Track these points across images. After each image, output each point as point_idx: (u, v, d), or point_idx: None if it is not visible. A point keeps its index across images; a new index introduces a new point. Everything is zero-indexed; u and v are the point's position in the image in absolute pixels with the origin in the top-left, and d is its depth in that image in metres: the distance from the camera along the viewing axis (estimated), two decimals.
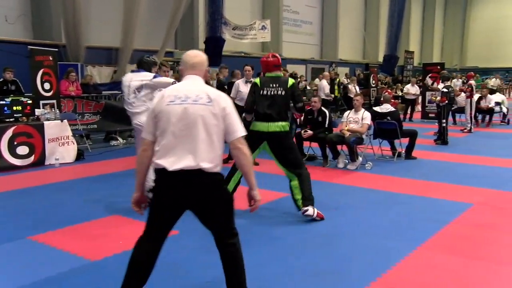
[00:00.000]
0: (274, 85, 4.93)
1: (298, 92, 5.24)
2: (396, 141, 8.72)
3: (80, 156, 8.47)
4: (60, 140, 8.12)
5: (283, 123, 4.91)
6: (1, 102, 7.67)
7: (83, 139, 9.72)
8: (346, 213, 5.28)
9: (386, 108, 8.68)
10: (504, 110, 14.38)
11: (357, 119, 7.98)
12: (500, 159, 8.50)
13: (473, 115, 12.80)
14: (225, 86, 10.35)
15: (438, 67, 15.56)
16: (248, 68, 8.12)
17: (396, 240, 4.38)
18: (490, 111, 13.98)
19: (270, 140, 4.90)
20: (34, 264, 3.80)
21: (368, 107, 11.04)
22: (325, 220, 4.90)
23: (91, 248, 4.14)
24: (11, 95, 8.28)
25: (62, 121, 8.26)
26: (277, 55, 5.18)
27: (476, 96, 13.20)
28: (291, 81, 5.07)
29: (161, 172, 2.73)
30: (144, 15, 12.52)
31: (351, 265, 3.82)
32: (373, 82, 18.55)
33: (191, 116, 2.70)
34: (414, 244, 4.24)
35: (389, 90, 15.98)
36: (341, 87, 16.52)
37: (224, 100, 2.79)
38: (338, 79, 16.67)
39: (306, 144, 8.45)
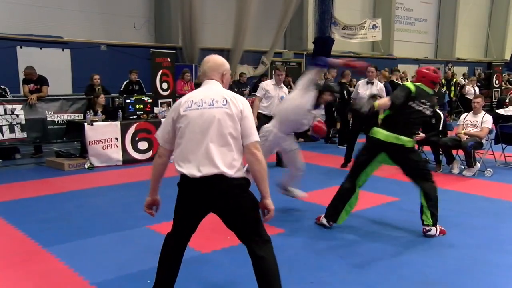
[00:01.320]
0: (424, 101, 4.53)
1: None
2: None
3: None
4: None
5: (406, 138, 4.46)
6: (127, 101, 8.42)
7: None
8: (460, 222, 4.92)
9: (511, 110, 7.92)
10: None
11: (476, 122, 7.39)
12: None
13: None
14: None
15: None
16: (371, 68, 7.81)
17: None
18: None
19: (388, 151, 4.54)
20: (151, 251, 4.10)
21: (489, 109, 10.17)
22: (444, 227, 4.62)
23: (201, 241, 4.35)
24: (135, 95, 9.04)
25: None
26: (438, 71, 4.83)
27: None
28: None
29: (182, 178, 2.80)
30: (255, 16, 12.89)
31: (463, 278, 3.55)
32: (497, 82, 17.02)
33: (207, 120, 2.68)
34: None
35: None
36: (458, 87, 15.41)
37: (241, 102, 2.74)
38: (454, 80, 15.57)
39: (415, 147, 8.01)
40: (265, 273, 2.75)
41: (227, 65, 2.97)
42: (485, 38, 23.99)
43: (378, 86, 7.84)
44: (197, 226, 2.98)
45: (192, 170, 2.71)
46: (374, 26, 16.74)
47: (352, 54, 17.03)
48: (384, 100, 4.60)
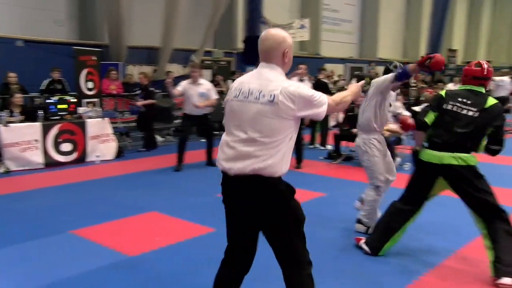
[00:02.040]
0: (464, 101, 3.63)
1: (500, 123, 3.60)
2: None
3: (121, 153, 8.69)
4: (101, 138, 8.37)
5: (466, 155, 3.58)
6: (48, 101, 7.99)
7: (123, 136, 9.96)
8: None
9: None
10: None
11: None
12: None
13: None
14: None
15: None
16: (303, 66, 7.89)
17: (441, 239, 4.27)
18: None
19: (446, 176, 3.66)
20: (75, 258, 3.93)
21: (408, 107, 10.78)
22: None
23: (129, 244, 4.24)
24: (57, 94, 8.59)
25: (103, 119, 8.51)
26: (485, 64, 3.71)
27: None
28: (491, 101, 3.62)
29: (222, 175, 2.47)
30: (184, 14, 12.72)
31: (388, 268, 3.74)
32: (414, 81, 18.08)
33: (249, 115, 2.36)
34: (458, 244, 4.12)
35: (429, 90, 15.53)
36: None
37: (297, 97, 2.33)
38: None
39: (343, 143, 8.34)
40: None
41: (289, 40, 2.52)
42: (403, 40, 25.43)
43: (309, 84, 7.97)
44: (251, 246, 2.60)
45: (228, 165, 2.47)
46: (302, 26, 17.14)
47: None
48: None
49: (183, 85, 7.59)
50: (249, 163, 2.33)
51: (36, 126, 7.56)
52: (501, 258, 3.44)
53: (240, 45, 15.73)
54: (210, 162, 7.79)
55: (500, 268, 3.44)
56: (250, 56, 15.50)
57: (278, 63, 2.46)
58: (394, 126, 7.75)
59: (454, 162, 3.55)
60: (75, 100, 8.39)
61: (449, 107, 3.64)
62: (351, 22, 22.06)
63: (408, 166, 7.62)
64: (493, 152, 3.64)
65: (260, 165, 2.32)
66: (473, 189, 3.55)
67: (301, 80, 7.76)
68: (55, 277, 3.53)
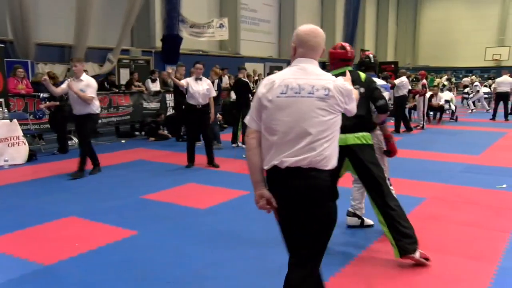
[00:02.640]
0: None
1: (375, 86, 4.00)
2: None
3: (33, 157, 8.17)
4: (10, 141, 7.80)
5: (364, 134, 3.85)
6: None
7: (35, 139, 9.36)
8: None
9: None
10: (453, 107, 15.00)
11: None
12: (450, 154, 8.86)
13: (425, 113, 13.30)
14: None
15: (392, 66, 16.03)
16: (199, 66, 7.86)
17: (350, 235, 4.48)
18: (440, 109, 14.54)
19: (350, 156, 3.83)
20: None
21: None
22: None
23: (44, 252, 4.00)
24: None
25: (11, 121, 7.93)
26: (348, 46, 3.98)
27: (428, 94, 13.71)
28: (362, 75, 3.97)
29: (273, 170, 2.39)
30: (98, 11, 12.19)
31: None
32: None
33: (302, 110, 2.34)
34: (372, 237, 4.36)
35: None
36: None
37: (345, 91, 2.41)
38: None
39: None
40: None
41: None
42: None
43: (208, 81, 7.93)
44: (309, 243, 2.41)
45: (282, 161, 2.38)
46: (221, 25, 17.19)
47: (201, 52, 17.24)
48: None
49: (190, 82, 7.62)
50: (307, 156, 2.31)
51: None
52: (399, 238, 3.68)
53: (158, 43, 15.42)
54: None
55: (402, 246, 3.66)
56: (169, 55, 15.26)
57: (317, 59, 2.52)
58: None
59: (358, 142, 3.78)
60: None
61: None
62: (269, 22, 22.50)
63: None
64: (382, 108, 3.94)
65: (318, 158, 2.31)
66: (371, 164, 3.79)
67: (199, 79, 7.72)
68: None
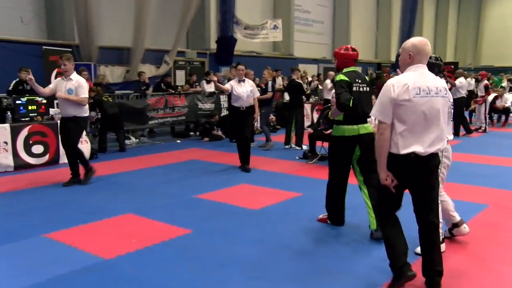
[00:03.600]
0: (359, 81, 4.41)
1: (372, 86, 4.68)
2: None
3: (93, 155, 8.55)
4: None
5: (370, 125, 4.49)
6: (17, 102, 7.79)
7: (96, 138, 9.80)
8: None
9: None
10: None
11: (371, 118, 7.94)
12: None
13: (487, 115, 12.70)
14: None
15: (452, 67, 15.41)
16: (241, 67, 7.77)
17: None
18: (506, 111, 13.81)
19: (361, 144, 4.37)
20: (49, 262, 3.85)
21: None
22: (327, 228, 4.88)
23: (105, 247, 4.19)
24: (27, 95, 8.38)
25: None
26: (356, 48, 4.66)
27: (491, 96, 13.08)
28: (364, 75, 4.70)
29: (409, 156, 3.04)
30: (155, 14, 12.60)
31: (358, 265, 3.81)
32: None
33: (434, 108, 3.04)
34: None
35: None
36: None
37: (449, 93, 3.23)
38: None
39: (318, 143, 8.43)
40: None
41: None
42: (375, 41, 25.88)
43: (250, 82, 7.83)
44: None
45: (420, 149, 3.06)
46: (275, 27, 17.25)
47: (254, 53, 17.38)
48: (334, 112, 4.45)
49: (233, 85, 7.54)
50: (439, 147, 3.11)
51: (5, 128, 7.37)
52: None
53: (213, 45, 15.69)
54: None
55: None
56: (223, 57, 15.50)
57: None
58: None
59: (365, 131, 4.38)
60: (45, 101, 8.20)
61: (355, 88, 4.36)
62: (323, 23, 22.31)
63: None
64: None
65: (442, 147, 3.15)
66: (370, 151, 4.08)
67: (242, 81, 7.61)
68: (20, 283, 3.44)
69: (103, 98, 9.43)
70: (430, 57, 4.32)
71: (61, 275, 3.58)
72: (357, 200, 4.69)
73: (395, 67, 19.42)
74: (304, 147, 9.35)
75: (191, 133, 12.16)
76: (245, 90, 7.53)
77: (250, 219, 5.03)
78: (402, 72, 3.17)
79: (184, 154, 9.19)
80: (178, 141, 11.10)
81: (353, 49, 4.60)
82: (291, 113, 9.71)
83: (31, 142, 7.63)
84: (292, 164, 7.97)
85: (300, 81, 10.20)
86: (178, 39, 13.71)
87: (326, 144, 8.40)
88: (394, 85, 3.03)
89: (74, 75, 6.54)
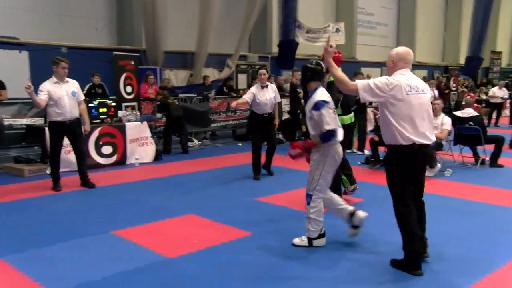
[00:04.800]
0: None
1: None
2: (480, 148, 8.21)
3: (158, 156, 8.84)
4: (140, 141, 8.54)
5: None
6: (90, 105, 8.22)
7: (160, 140, 10.13)
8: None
9: (468, 112, 8.23)
10: None
11: (436, 125, 7.61)
12: None
13: None
14: (297, 89, 10.32)
15: None
16: (263, 72, 7.49)
17: (483, 251, 4.12)
18: None
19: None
20: (116, 258, 4.02)
21: (448, 111, 10.54)
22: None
23: (167, 245, 4.30)
24: (98, 98, 8.84)
25: (142, 123, 8.67)
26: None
27: None
28: None
29: (411, 147, 3.55)
30: (219, 19, 12.85)
31: (442, 271, 3.64)
32: (454, 85, 17.65)
33: (424, 104, 3.60)
34: (505, 257, 3.97)
35: (471, 94, 15.11)
36: None
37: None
38: None
39: (381, 149, 8.19)
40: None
41: None
42: (442, 43, 24.81)
43: (274, 88, 7.54)
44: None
45: (419, 140, 3.58)
46: (337, 30, 17.01)
47: (316, 57, 17.24)
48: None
49: (255, 90, 7.26)
50: (432, 137, 3.65)
51: None
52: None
53: (275, 49, 15.75)
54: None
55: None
56: (285, 60, 15.50)
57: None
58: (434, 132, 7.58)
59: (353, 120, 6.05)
60: (114, 104, 8.60)
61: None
62: (387, 25, 21.75)
63: (449, 172, 7.44)
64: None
65: (432, 138, 3.67)
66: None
67: (265, 86, 7.27)
68: (90, 277, 3.61)
69: (169, 100, 9.73)
70: (311, 63, 4.52)
71: (126, 271, 3.72)
72: None
73: (464, 71, 18.73)
74: (367, 152, 9.13)
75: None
76: (268, 97, 7.21)
77: None
78: (390, 75, 3.68)
79: (244, 157, 9.26)
80: (239, 144, 11.22)
81: (339, 52, 5.24)
82: (354, 117, 9.49)
83: (101, 143, 8.02)
84: (354, 169, 7.79)
85: None
86: (241, 43, 13.89)
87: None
88: (385, 81, 3.57)
89: (68, 78, 6.44)
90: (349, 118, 5.90)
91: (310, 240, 4.26)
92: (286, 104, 12.21)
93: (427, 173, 7.32)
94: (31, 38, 10.85)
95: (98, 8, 12.35)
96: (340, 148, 4.26)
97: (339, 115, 4.76)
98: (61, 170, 7.16)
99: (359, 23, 19.75)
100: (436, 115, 7.68)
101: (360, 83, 3.61)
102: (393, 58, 3.69)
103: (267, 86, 7.33)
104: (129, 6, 12.40)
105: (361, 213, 4.29)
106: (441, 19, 24.56)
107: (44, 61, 10.69)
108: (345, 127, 4.85)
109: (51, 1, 11.47)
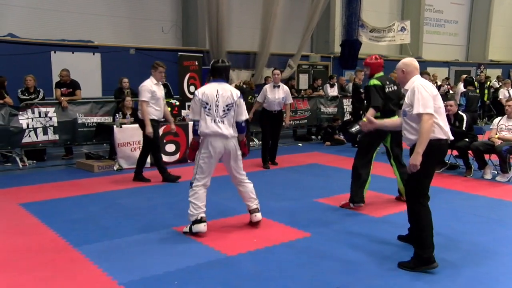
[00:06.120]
0: (389, 83, 5.49)
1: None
2: None
3: None
4: None
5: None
6: None
7: None
8: (491, 229, 4.78)
9: None
10: None
11: (511, 127, 7.17)
12: None
13: None
14: (360, 90, 10.10)
15: None
16: (276, 72, 8.05)
17: None
18: None
19: (393, 132, 5.40)
20: (178, 253, 4.14)
21: None
22: (471, 235, 4.50)
23: (228, 244, 4.37)
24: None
25: None
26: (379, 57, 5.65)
27: None
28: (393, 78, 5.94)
29: (441, 141, 3.71)
30: (281, 19, 12.87)
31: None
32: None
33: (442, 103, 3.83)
34: None
35: None
36: (491, 91, 15.06)
37: None
38: (488, 82, 15.20)
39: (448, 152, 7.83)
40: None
41: None
42: None
43: (285, 88, 8.02)
44: None
45: (449, 136, 3.77)
46: (403, 29, 16.50)
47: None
48: (370, 112, 5.30)
49: (267, 89, 8.03)
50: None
51: None
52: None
53: (337, 49, 15.54)
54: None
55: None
56: (347, 60, 15.26)
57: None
58: (507, 134, 7.16)
59: None
60: (178, 103, 8.85)
61: (387, 89, 5.46)
62: (457, 22, 20.77)
63: None
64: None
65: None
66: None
67: (277, 86, 7.90)
68: (160, 270, 3.74)
69: None
70: (217, 62, 4.97)
71: (188, 267, 3.82)
72: None
73: None
74: None
75: (313, 136, 12.16)
76: (277, 96, 7.84)
77: (371, 226, 4.86)
78: (404, 86, 3.92)
79: (305, 157, 9.23)
80: (300, 144, 11.18)
81: (379, 58, 5.63)
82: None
83: (165, 141, 8.29)
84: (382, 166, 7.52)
85: None
86: (303, 43, 13.84)
87: (455, 152, 7.80)
88: (425, 86, 3.73)
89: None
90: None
91: (190, 225, 4.53)
92: (348, 105, 12.02)
93: (498, 178, 7.02)
94: (103, 41, 11.46)
95: (164, 10, 12.81)
96: (215, 142, 4.52)
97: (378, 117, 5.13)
98: (130, 167, 7.54)
99: (427, 21, 19.03)
100: (510, 116, 7.24)
101: (426, 119, 3.62)
102: (402, 68, 3.93)
103: (279, 86, 7.97)
104: (194, 7, 12.74)
105: (202, 226, 4.49)
106: None
107: (114, 62, 11.30)
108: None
109: (121, 5, 12.05)
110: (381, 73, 5.55)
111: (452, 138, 3.81)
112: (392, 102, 5.49)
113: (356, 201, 5.42)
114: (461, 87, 13.12)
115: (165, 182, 6.96)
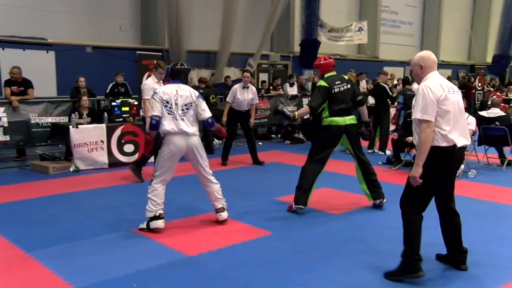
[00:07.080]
0: (340, 83, 5.37)
1: (357, 85, 5.59)
2: (506, 149, 8.02)
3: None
4: None
5: (354, 116, 5.45)
6: (113, 104, 8.35)
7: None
8: None
9: (494, 112, 8.05)
10: None
11: None
12: None
13: None
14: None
15: None
16: (247, 74, 8.40)
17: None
18: None
19: (347, 132, 5.35)
20: (138, 255, 4.08)
21: (473, 111, 10.33)
22: (428, 229, 4.65)
23: (188, 244, 4.34)
24: (121, 97, 8.96)
25: None
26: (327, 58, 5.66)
27: None
28: (345, 76, 5.68)
29: (449, 148, 3.35)
30: (242, 19, 12.89)
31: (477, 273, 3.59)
32: (479, 84, 17.29)
33: (460, 104, 3.45)
34: None
35: (498, 93, 14.77)
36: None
37: None
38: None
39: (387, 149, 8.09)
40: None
41: None
42: (468, 42, 24.29)
43: (253, 89, 8.43)
44: None
45: (459, 141, 3.39)
46: (360, 29, 16.86)
47: (338, 56, 17.11)
48: (303, 109, 5.54)
49: (236, 90, 8.25)
50: (468, 138, 3.50)
51: (102, 128, 7.93)
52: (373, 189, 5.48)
53: (297, 48, 15.71)
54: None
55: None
56: (307, 59, 15.44)
57: None
58: None
59: (353, 122, 5.38)
60: (137, 103, 8.70)
61: (336, 89, 5.33)
62: (411, 24, 21.43)
63: (473, 173, 7.29)
64: (359, 102, 5.56)
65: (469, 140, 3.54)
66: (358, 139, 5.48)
67: (246, 87, 8.23)
68: (120, 273, 3.67)
69: None
70: (176, 65, 4.85)
71: (149, 268, 3.77)
72: None
73: (491, 69, 18.37)
74: (388, 152, 9.03)
75: (273, 135, 12.25)
76: (246, 97, 8.22)
77: (332, 224, 4.95)
78: (419, 83, 3.50)
79: (266, 156, 9.26)
80: (260, 143, 11.23)
81: (329, 58, 5.62)
82: (377, 117, 9.42)
83: (123, 141, 8.14)
84: (375, 170, 7.72)
85: (385, 85, 9.86)
86: (263, 42, 13.91)
87: (414, 151, 8.06)
88: (431, 88, 3.34)
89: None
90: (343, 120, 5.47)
91: (148, 222, 4.60)
92: (307, 104, 12.16)
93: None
94: (57, 39, 11.10)
95: (123, 8, 12.54)
96: (176, 139, 4.58)
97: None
98: (86, 168, 7.35)
99: (383, 22, 19.52)
100: None
101: (423, 128, 3.32)
102: (420, 63, 3.48)
103: (248, 87, 8.34)
104: (154, 6, 12.53)
105: (160, 223, 4.60)
106: (468, 17, 24.03)
107: (69, 61, 10.97)
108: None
109: (77, 2, 11.70)
110: (333, 73, 5.47)
111: (468, 143, 3.51)
112: (344, 102, 5.30)
113: (299, 203, 5.28)
114: (416, 86, 13.55)
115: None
